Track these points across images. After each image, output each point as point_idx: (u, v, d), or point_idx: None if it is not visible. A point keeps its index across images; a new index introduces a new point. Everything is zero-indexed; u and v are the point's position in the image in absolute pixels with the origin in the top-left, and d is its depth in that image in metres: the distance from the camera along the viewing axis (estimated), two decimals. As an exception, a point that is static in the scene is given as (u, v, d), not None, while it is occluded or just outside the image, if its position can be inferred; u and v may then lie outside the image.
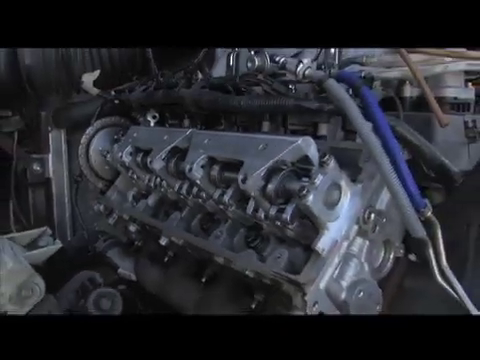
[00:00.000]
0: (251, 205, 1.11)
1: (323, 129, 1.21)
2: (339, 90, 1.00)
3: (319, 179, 0.93)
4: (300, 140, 0.99)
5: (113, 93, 1.88)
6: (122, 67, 1.93)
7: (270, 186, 1.01)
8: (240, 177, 1.03)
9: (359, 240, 1.07)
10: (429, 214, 0.99)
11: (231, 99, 1.25)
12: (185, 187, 1.35)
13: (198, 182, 1.21)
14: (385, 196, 1.08)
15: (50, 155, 2.17)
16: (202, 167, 1.21)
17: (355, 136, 1.19)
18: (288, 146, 1.01)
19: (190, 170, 1.20)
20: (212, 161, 1.20)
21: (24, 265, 1.26)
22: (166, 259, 1.49)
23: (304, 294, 0.96)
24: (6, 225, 2.17)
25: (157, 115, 1.75)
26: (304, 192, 0.91)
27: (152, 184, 1.52)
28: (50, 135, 2.16)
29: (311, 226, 1.06)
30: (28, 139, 2.22)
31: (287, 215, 1.01)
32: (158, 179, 1.47)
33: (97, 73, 1.92)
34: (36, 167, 2.15)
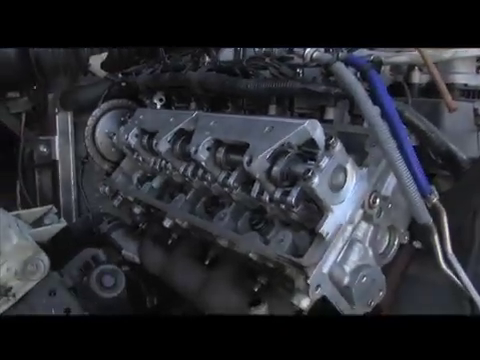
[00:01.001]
0: (256, 188, 1.11)
1: (330, 113, 1.20)
2: (346, 73, 0.99)
3: (325, 161, 0.92)
4: (306, 123, 0.98)
5: (120, 76, 1.87)
6: (129, 50, 1.93)
7: (275, 168, 1.01)
8: (245, 159, 1.02)
9: (364, 225, 1.06)
10: (435, 200, 0.99)
11: (238, 82, 1.24)
12: (190, 169, 1.35)
13: (203, 164, 1.21)
14: (391, 181, 1.07)
15: (57, 137, 2.18)
16: (208, 149, 1.20)
17: (362, 120, 1.18)
18: (294, 128, 1.00)
19: (195, 152, 1.20)
20: (218, 143, 1.20)
21: (30, 241, 1.27)
22: (170, 241, 1.50)
23: (307, 277, 0.95)
24: (13, 206, 2.18)
25: (164, 98, 1.75)
26: (309, 174, 0.90)
27: (157, 166, 1.52)
28: (57, 117, 2.16)
29: (316, 209, 1.05)
30: (35, 121, 2.22)
31: (292, 198, 1.00)
32: (163, 161, 1.47)
33: (104, 55, 1.91)
34: (43, 149, 2.16)
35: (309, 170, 0.91)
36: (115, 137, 1.70)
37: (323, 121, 1.18)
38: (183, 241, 1.50)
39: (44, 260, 1.25)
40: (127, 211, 1.82)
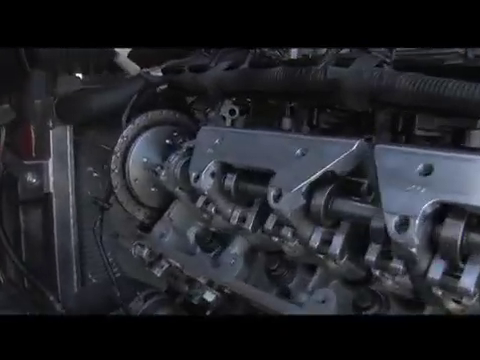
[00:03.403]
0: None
1: None
2: None
3: None
4: None
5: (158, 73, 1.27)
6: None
7: None
8: None
9: None
10: None
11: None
12: (339, 246, 0.75)
13: (414, 250, 0.61)
14: None
15: (50, 161, 1.59)
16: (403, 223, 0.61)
17: None
18: None
19: (403, 230, 0.59)
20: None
21: None
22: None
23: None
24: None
25: (237, 109, 1.14)
26: None
27: (249, 227, 0.92)
28: (51, 133, 1.57)
29: None
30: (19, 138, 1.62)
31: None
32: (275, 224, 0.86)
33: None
34: (31, 178, 1.60)
35: None
36: (163, 172, 1.08)
37: None
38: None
39: None
40: (171, 280, 1.22)
